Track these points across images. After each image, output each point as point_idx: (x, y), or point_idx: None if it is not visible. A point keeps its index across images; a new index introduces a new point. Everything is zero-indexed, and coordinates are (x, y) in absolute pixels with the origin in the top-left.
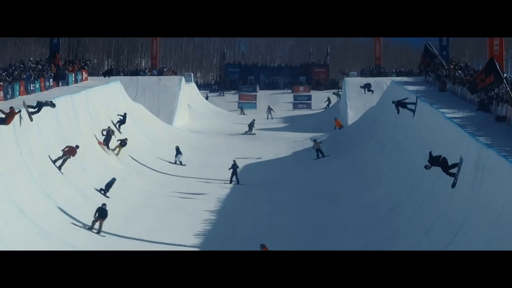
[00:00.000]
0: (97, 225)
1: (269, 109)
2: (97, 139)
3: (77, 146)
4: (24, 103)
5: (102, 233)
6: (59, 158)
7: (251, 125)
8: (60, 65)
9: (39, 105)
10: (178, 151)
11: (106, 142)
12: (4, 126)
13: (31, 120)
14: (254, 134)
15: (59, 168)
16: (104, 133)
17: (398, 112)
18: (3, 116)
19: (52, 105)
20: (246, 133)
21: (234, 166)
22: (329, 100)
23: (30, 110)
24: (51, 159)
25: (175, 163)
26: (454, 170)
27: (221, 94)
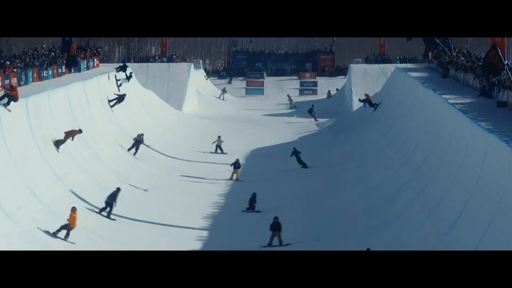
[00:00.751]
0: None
1: (290, 98)
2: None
3: (80, 130)
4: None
5: (112, 216)
6: (61, 140)
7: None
8: (74, 54)
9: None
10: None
11: (135, 149)
12: (18, 111)
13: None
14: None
15: (57, 146)
16: (134, 140)
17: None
18: None
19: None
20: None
21: (296, 152)
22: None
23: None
24: (54, 142)
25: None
26: None
27: (229, 82)
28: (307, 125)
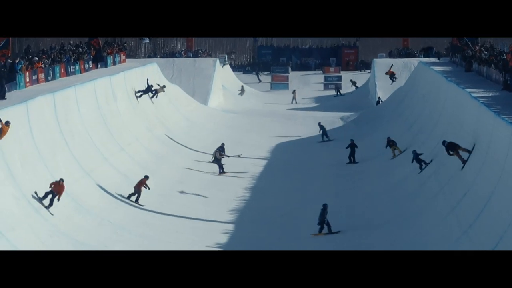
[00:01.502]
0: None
1: (294, 93)
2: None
3: (61, 180)
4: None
5: (139, 203)
6: (46, 195)
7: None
8: (98, 46)
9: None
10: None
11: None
12: (45, 106)
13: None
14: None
15: (47, 208)
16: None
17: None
18: None
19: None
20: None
21: (352, 146)
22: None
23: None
24: (38, 196)
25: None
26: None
27: (259, 81)
28: (332, 119)
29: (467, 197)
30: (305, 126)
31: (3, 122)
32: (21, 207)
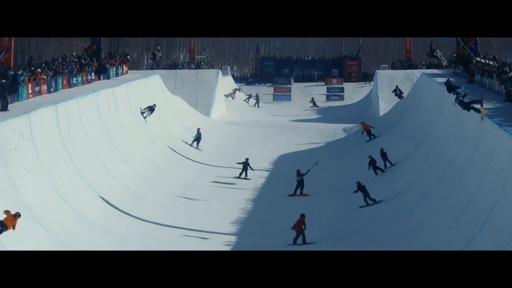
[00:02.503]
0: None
1: (257, 97)
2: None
3: (17, 215)
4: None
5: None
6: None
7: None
8: (90, 53)
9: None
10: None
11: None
12: (48, 118)
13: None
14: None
15: None
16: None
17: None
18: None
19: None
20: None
21: (371, 163)
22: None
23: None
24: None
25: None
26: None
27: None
28: (334, 131)
29: (469, 209)
30: (308, 138)
31: (12, 213)
32: (23, 218)
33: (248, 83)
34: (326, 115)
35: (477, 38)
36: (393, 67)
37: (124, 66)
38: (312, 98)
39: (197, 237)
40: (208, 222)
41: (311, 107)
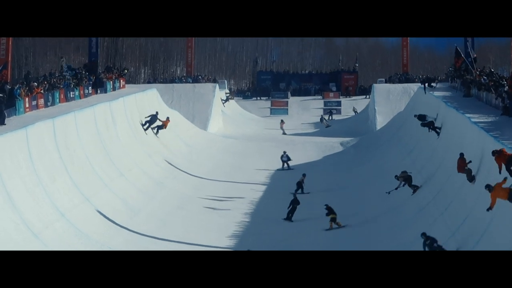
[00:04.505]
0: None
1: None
2: None
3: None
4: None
5: None
6: None
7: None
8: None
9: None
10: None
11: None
12: (45, 132)
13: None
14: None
15: None
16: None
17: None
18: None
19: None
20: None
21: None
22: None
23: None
24: None
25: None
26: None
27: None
28: (331, 144)
29: (467, 222)
30: (305, 152)
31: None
32: (20, 232)
33: (245, 97)
34: (323, 129)
35: (474, 45)
36: (390, 80)
37: (121, 80)
38: (322, 115)
39: (194, 251)
40: (205, 236)
41: (326, 127)
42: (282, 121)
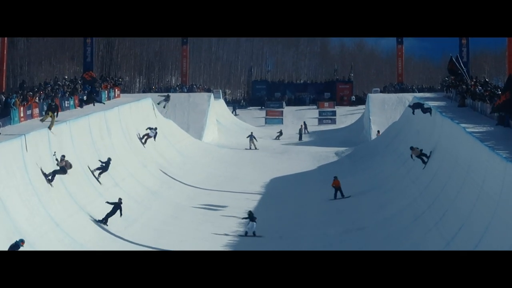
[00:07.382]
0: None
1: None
2: None
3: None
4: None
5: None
6: None
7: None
8: (89, 78)
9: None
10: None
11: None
12: (39, 141)
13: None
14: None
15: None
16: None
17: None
18: None
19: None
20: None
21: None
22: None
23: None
24: None
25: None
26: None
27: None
28: (326, 154)
29: (461, 232)
30: (300, 161)
31: None
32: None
33: (240, 107)
34: (318, 139)
35: (469, 55)
36: (385, 90)
37: (116, 90)
38: (304, 122)
39: (190, 250)
40: (200, 246)
41: (304, 133)
42: (252, 136)
